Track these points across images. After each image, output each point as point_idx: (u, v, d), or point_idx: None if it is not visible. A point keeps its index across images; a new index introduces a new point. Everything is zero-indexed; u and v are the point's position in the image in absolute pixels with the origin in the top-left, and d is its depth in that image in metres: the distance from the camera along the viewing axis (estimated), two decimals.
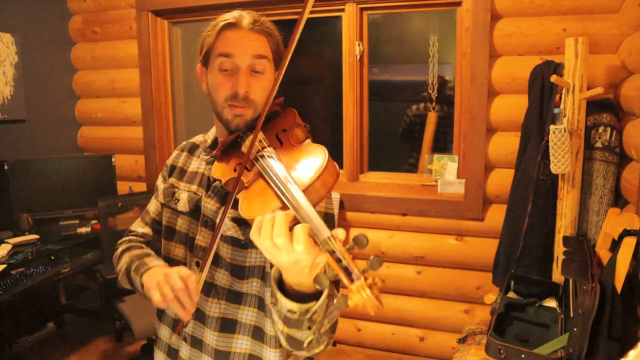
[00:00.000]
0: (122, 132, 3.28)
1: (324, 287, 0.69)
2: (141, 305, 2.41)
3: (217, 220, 1.05)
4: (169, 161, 1.23)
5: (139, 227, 1.24)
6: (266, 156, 0.90)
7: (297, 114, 1.02)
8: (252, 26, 0.99)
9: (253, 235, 0.75)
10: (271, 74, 1.03)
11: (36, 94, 3.07)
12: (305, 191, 0.79)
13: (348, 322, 2.89)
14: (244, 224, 1.04)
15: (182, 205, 1.13)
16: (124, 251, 1.17)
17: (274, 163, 0.87)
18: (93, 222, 2.93)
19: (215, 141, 1.15)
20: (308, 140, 0.95)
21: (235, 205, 0.93)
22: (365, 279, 0.66)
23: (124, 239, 1.23)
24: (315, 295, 0.81)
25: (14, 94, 2.91)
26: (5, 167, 2.76)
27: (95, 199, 2.77)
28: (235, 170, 0.96)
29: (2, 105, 2.85)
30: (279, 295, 0.82)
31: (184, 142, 1.24)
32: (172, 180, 1.18)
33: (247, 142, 0.97)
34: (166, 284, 0.92)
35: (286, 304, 0.81)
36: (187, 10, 2.99)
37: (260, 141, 0.94)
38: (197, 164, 1.17)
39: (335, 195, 2.71)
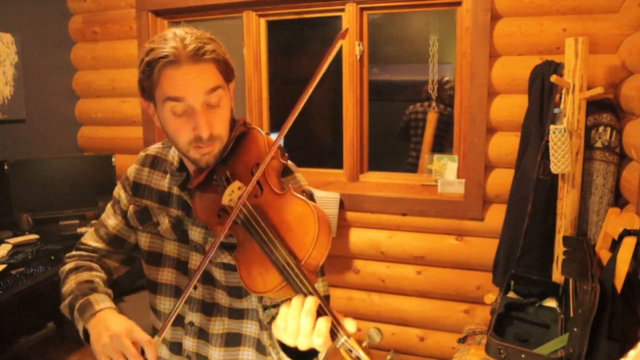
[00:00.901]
0: (122, 132, 3.28)
1: None
2: (141, 305, 2.40)
3: (206, 247, 1.03)
4: (131, 175, 1.13)
5: (92, 240, 1.15)
6: (252, 220, 0.83)
7: (263, 136, 0.93)
8: (196, 57, 0.87)
9: (277, 330, 0.75)
10: (227, 98, 0.94)
11: (36, 94, 3.07)
12: (304, 264, 0.76)
13: None
14: (234, 249, 1.01)
15: (166, 231, 1.08)
16: (71, 270, 1.08)
17: (264, 231, 0.81)
18: (93, 222, 2.93)
19: (182, 164, 1.07)
20: (290, 190, 0.85)
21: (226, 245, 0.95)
22: None
23: (74, 253, 1.15)
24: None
25: (14, 94, 2.91)
26: (5, 167, 2.76)
27: (95, 199, 2.78)
28: (219, 216, 0.91)
29: (2, 105, 2.85)
30: (282, 354, 0.84)
31: (142, 154, 1.15)
32: (143, 201, 1.11)
33: (227, 194, 0.90)
34: (115, 348, 0.86)
35: None
36: (187, 10, 2.99)
37: (239, 188, 0.89)
38: (166, 183, 1.09)
39: (335, 195, 2.71)
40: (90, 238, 1.16)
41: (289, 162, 1.04)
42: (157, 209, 1.09)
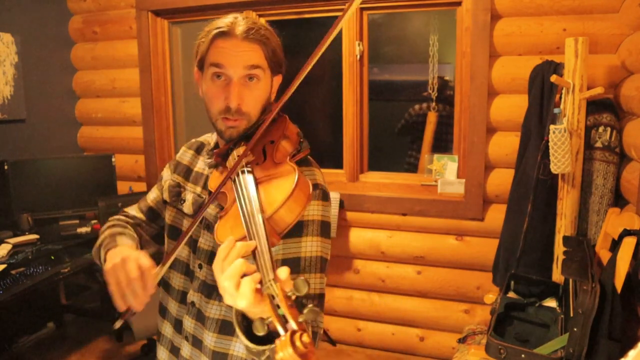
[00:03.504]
0: (122, 132, 3.28)
1: (261, 333, 0.66)
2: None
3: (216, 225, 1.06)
4: (177, 156, 1.23)
5: (132, 210, 1.25)
6: (241, 175, 0.89)
7: (288, 123, 1.00)
8: (246, 35, 0.95)
9: (215, 267, 0.75)
10: (266, 82, 1.01)
11: (36, 94, 3.07)
12: (270, 219, 0.78)
13: (348, 322, 2.90)
14: None
15: (187, 207, 1.12)
16: (107, 227, 1.17)
17: (248, 185, 0.85)
18: (93, 222, 2.93)
19: (217, 145, 1.14)
20: (287, 159, 0.92)
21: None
22: (292, 334, 0.61)
23: (114, 217, 1.23)
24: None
25: (14, 94, 2.91)
26: (5, 167, 2.76)
27: (95, 199, 2.77)
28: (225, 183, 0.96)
29: (2, 105, 2.85)
30: (238, 331, 0.79)
31: (193, 140, 1.24)
32: (178, 178, 1.18)
33: (232, 157, 0.96)
34: (122, 269, 0.89)
35: (244, 340, 0.78)
36: (187, 10, 2.99)
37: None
38: (202, 165, 1.16)
39: (335, 195, 2.71)
40: (131, 208, 1.26)
41: (313, 161, 1.06)
42: (188, 187, 1.15)
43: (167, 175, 1.22)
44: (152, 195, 1.24)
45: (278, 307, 0.65)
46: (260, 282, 0.69)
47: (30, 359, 2.85)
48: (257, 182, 0.86)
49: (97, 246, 1.10)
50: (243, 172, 0.89)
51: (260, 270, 0.70)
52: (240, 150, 0.96)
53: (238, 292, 0.69)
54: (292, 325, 0.62)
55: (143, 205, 1.24)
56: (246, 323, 0.80)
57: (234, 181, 0.89)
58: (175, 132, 3.29)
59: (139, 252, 0.94)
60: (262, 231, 0.75)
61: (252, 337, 0.76)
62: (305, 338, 0.60)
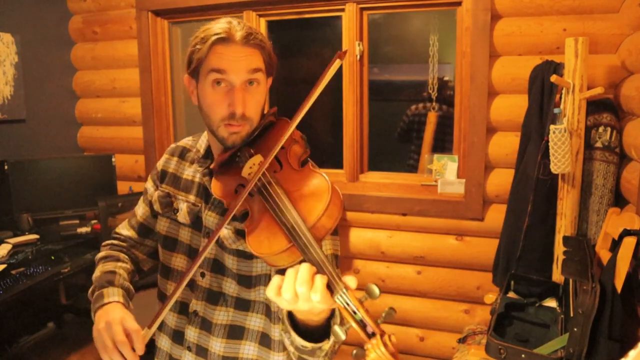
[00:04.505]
0: (122, 132, 3.28)
1: (340, 340, 0.70)
2: (141, 306, 2.40)
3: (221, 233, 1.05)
4: (159, 165, 1.20)
5: (124, 229, 1.23)
6: (269, 187, 0.87)
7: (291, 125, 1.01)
8: (246, 40, 0.95)
9: (270, 293, 0.74)
10: (264, 85, 1.02)
11: (36, 94, 3.07)
12: (313, 228, 0.78)
13: None
14: None
15: (183, 216, 1.11)
16: (101, 259, 1.16)
17: (278, 196, 0.84)
18: (93, 222, 2.93)
19: (208, 150, 1.12)
20: (308, 165, 0.91)
21: (236, 219, 0.95)
22: (382, 335, 0.67)
23: (107, 242, 1.23)
24: (323, 326, 0.83)
25: (14, 94, 2.91)
26: (5, 167, 2.76)
27: (95, 199, 2.77)
28: (236, 192, 0.94)
29: (2, 105, 2.85)
30: (293, 333, 0.83)
31: (173, 146, 1.22)
32: (167, 188, 1.16)
33: (247, 166, 0.95)
34: (107, 333, 0.91)
35: (300, 341, 0.83)
36: (187, 10, 2.99)
37: (260, 163, 0.93)
38: (191, 172, 1.14)
39: None
40: (123, 227, 1.24)
41: (311, 161, 1.07)
42: (179, 196, 1.14)
43: (152, 187, 1.19)
44: (140, 211, 1.22)
45: (355, 312, 0.69)
46: (329, 287, 0.72)
47: (30, 359, 2.85)
48: (288, 193, 0.85)
49: (89, 292, 1.08)
50: (270, 183, 0.87)
51: (329, 281, 0.72)
52: (256, 159, 0.95)
53: (312, 290, 0.71)
54: (373, 328, 0.68)
55: (134, 222, 1.22)
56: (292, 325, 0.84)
57: (261, 193, 0.87)
58: (175, 132, 3.29)
59: (124, 313, 0.96)
60: (312, 240, 0.76)
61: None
62: (394, 338, 0.67)
